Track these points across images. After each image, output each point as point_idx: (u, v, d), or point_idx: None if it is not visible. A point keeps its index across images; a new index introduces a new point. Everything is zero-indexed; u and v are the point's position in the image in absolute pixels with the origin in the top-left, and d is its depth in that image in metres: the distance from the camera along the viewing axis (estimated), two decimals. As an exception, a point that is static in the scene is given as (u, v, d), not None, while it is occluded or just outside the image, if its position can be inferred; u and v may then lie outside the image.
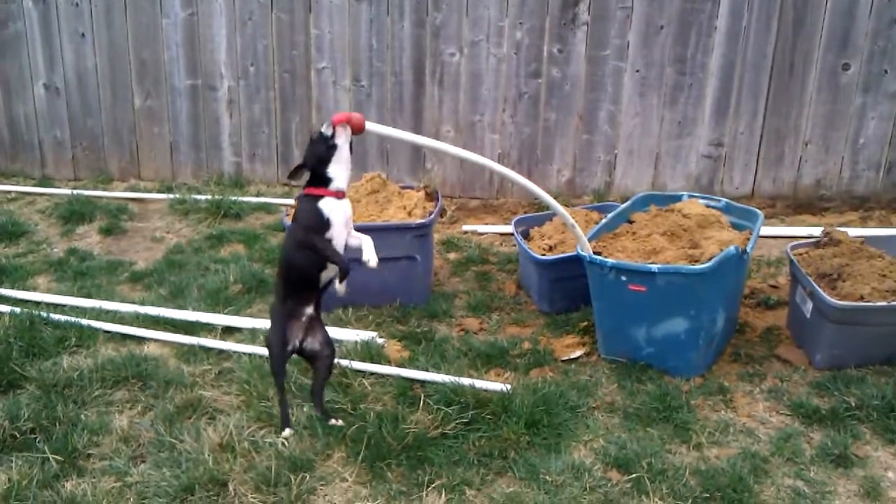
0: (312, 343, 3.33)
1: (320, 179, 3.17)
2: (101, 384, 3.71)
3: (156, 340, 4.17)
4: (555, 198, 3.70)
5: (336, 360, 3.50)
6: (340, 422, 3.38)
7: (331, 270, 3.22)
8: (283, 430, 3.31)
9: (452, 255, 5.27)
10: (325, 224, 3.13)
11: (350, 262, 3.16)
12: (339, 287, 3.19)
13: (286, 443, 3.26)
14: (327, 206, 3.15)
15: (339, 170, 3.17)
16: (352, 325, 4.28)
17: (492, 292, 4.71)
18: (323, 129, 3.16)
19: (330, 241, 3.15)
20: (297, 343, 3.29)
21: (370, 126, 3.19)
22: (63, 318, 4.27)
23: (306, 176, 3.22)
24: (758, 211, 4.20)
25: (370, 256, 3.18)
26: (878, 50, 5.60)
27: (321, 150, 3.15)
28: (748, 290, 4.51)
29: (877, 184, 5.88)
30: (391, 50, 6.20)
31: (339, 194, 3.19)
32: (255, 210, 6.13)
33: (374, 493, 3.05)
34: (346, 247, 3.24)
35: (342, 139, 3.15)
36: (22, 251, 5.49)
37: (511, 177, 3.61)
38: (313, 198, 3.16)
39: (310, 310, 3.31)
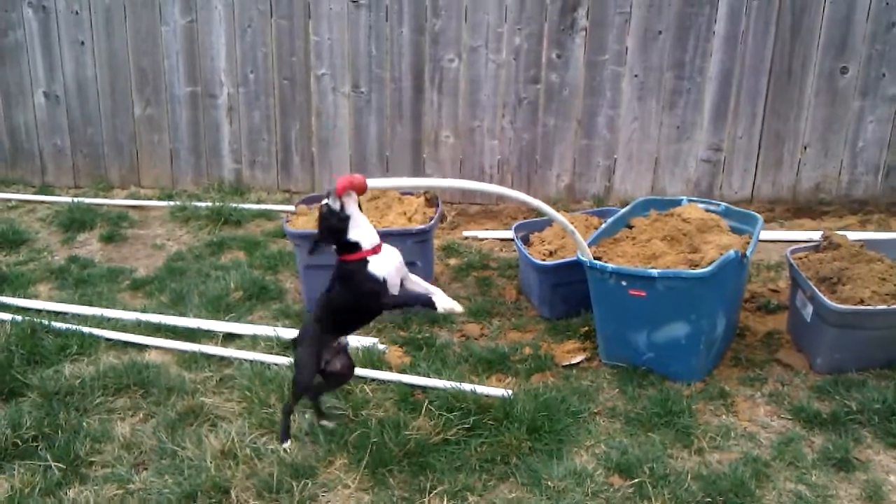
0: (334, 365, 3.34)
1: (348, 248, 3.14)
2: (103, 392, 3.72)
3: (157, 348, 4.18)
4: (554, 203, 3.73)
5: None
6: (332, 424, 3.44)
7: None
8: (283, 442, 3.32)
9: (453, 261, 5.28)
10: (383, 286, 3.11)
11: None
12: (448, 305, 3.14)
13: (288, 450, 3.27)
14: (376, 266, 3.11)
15: (360, 232, 3.13)
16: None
17: (492, 298, 4.72)
18: (330, 203, 3.10)
19: (394, 296, 3.15)
20: (324, 365, 3.31)
21: (372, 183, 3.14)
22: (64, 325, 4.28)
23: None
24: (757, 215, 4.20)
25: (452, 306, 3.13)
26: (875, 53, 5.62)
27: (335, 225, 3.11)
28: (748, 295, 4.51)
29: (875, 187, 5.89)
30: (390, 56, 6.21)
31: (377, 249, 3.15)
32: (256, 217, 6.13)
33: (376, 500, 3.05)
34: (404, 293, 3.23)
35: (352, 207, 3.11)
36: (23, 259, 5.50)
37: (505, 193, 3.56)
38: (361, 263, 3.12)
39: (344, 340, 3.34)
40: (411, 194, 4.86)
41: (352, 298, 3.18)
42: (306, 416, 3.49)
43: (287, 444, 3.31)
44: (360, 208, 3.17)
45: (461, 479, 3.10)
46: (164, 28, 6.46)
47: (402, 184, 3.45)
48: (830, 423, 3.41)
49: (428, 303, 3.12)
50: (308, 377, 3.28)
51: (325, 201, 3.14)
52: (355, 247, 3.13)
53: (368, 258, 3.12)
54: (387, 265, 3.13)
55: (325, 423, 3.44)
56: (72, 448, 3.29)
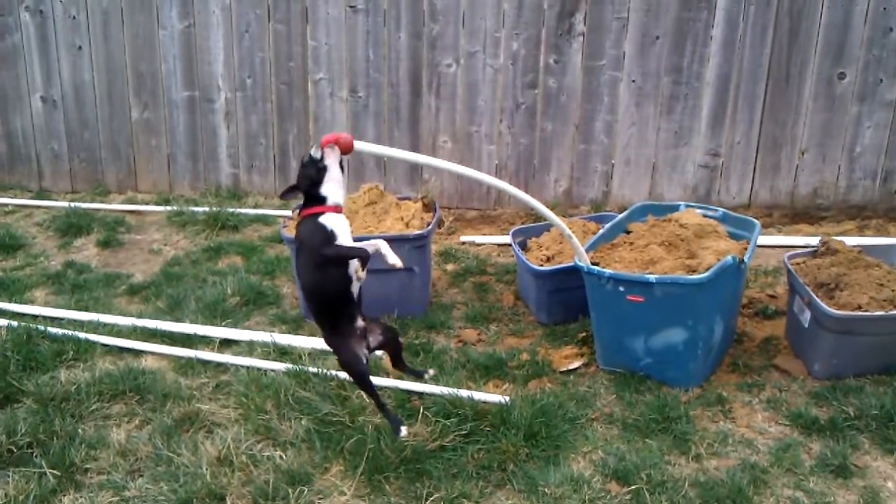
0: (376, 340, 3.32)
1: (315, 199, 3.19)
2: (99, 398, 3.70)
3: (153, 353, 4.17)
4: (552, 208, 3.72)
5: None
6: (432, 371, 3.56)
7: (358, 281, 3.20)
8: (397, 433, 3.21)
9: (450, 266, 5.27)
10: (330, 235, 3.12)
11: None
12: (361, 274, 3.16)
13: (407, 433, 3.22)
14: (328, 219, 3.14)
15: (331, 188, 3.18)
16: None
17: (490, 303, 4.71)
18: (312, 152, 3.19)
19: (334, 245, 3.13)
20: (367, 352, 3.26)
21: (359, 145, 3.19)
22: (60, 331, 4.27)
23: (300, 198, 3.23)
24: (755, 220, 4.20)
25: (395, 260, 3.15)
26: (873, 59, 5.62)
27: (312, 172, 3.18)
28: (746, 300, 4.51)
29: (873, 193, 5.89)
30: (388, 61, 6.21)
31: (338, 209, 3.19)
32: (253, 222, 6.13)
33: (372, 507, 3.04)
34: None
35: (331, 159, 3.17)
36: (19, 264, 5.49)
37: (505, 188, 3.60)
38: (313, 216, 3.17)
39: (360, 322, 3.28)
40: (409, 199, 4.86)
41: (311, 263, 3.17)
42: (302, 422, 3.47)
43: (404, 431, 3.20)
44: (343, 169, 3.22)
45: (458, 486, 3.09)
46: (161, 32, 6.46)
47: (391, 153, 3.48)
48: (828, 430, 3.41)
49: (363, 255, 3.11)
50: (362, 372, 3.21)
51: (308, 152, 3.21)
52: (321, 200, 3.17)
53: (325, 212, 3.15)
54: (339, 223, 3.15)
55: (428, 375, 3.53)
56: (67, 455, 3.28)
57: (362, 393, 3.43)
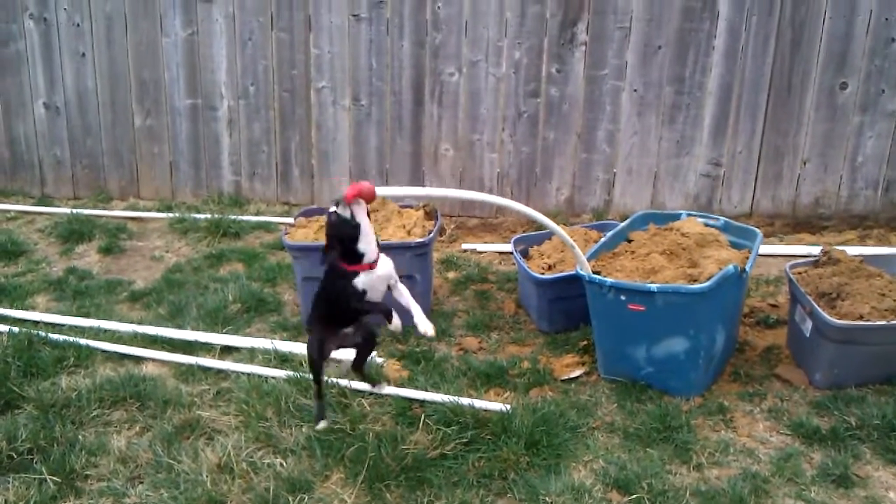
0: (351, 340, 3.44)
1: (352, 256, 3.19)
2: (100, 404, 3.70)
3: (154, 360, 4.17)
4: (554, 217, 3.72)
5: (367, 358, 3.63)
6: (385, 386, 3.67)
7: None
8: (317, 423, 3.45)
9: (451, 274, 5.27)
10: (360, 295, 3.19)
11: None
12: (395, 325, 3.23)
13: (320, 430, 3.42)
14: (362, 281, 3.18)
15: (367, 243, 3.18)
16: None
17: (491, 311, 4.71)
18: (339, 211, 3.13)
19: (362, 301, 3.21)
20: (333, 347, 3.41)
21: (381, 191, 3.18)
22: (61, 337, 4.26)
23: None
24: (756, 230, 4.20)
25: (426, 328, 3.20)
26: (875, 69, 5.63)
27: (347, 232, 3.15)
28: (747, 310, 4.50)
29: (875, 202, 5.89)
30: (391, 69, 6.22)
31: (372, 266, 3.20)
32: (255, 229, 6.13)
33: (373, 515, 3.04)
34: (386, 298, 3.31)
35: (361, 215, 3.14)
36: (21, 270, 5.49)
37: (512, 207, 3.60)
38: (351, 274, 3.19)
39: (348, 329, 3.39)
40: (410, 207, 4.86)
41: (334, 297, 3.26)
42: (303, 429, 3.47)
43: (322, 425, 3.44)
44: (369, 216, 3.21)
45: (459, 495, 3.08)
46: (164, 40, 6.48)
47: (410, 193, 3.49)
48: (830, 439, 3.40)
49: (386, 313, 3.20)
50: (315, 354, 3.35)
51: (332, 208, 3.16)
52: (359, 258, 3.18)
53: (360, 273, 3.19)
54: (372, 277, 3.20)
55: (378, 387, 3.66)
56: (67, 461, 3.27)
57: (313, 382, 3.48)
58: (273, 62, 6.38)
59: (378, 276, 3.22)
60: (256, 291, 4.91)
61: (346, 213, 3.12)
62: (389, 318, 3.20)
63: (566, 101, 6.04)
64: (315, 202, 6.42)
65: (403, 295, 3.31)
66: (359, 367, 3.59)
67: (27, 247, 5.87)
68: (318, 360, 3.37)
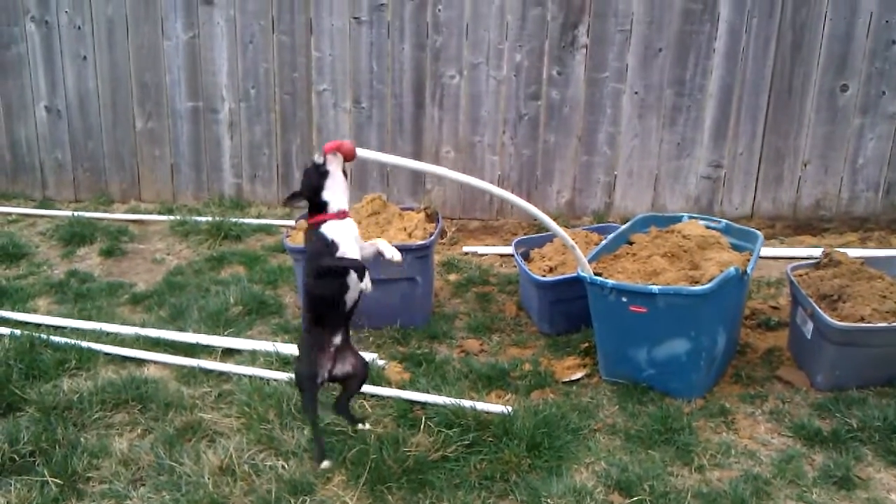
0: (343, 368, 3.30)
1: (318, 206, 3.22)
2: (101, 407, 3.70)
3: (156, 363, 4.17)
4: (554, 219, 3.72)
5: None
6: (367, 425, 3.46)
7: (354, 292, 3.22)
8: (319, 463, 3.24)
9: (453, 277, 5.27)
10: (331, 245, 3.15)
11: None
12: (365, 284, 3.14)
13: (327, 468, 3.25)
14: (329, 228, 3.17)
15: (333, 193, 3.21)
16: (352, 347, 4.27)
17: (492, 314, 4.71)
18: (315, 158, 3.22)
19: (334, 257, 3.15)
20: (327, 374, 3.25)
21: (361, 152, 3.22)
22: (63, 340, 4.26)
23: (304, 205, 3.26)
24: (758, 232, 4.21)
25: (392, 253, 3.22)
26: (875, 71, 5.64)
27: (314, 178, 3.21)
28: (749, 312, 4.50)
29: (876, 204, 5.89)
30: (391, 72, 6.23)
31: (341, 214, 3.21)
32: (256, 231, 6.14)
33: (374, 517, 3.04)
34: (364, 260, 3.24)
35: (334, 165, 3.20)
36: (22, 273, 5.49)
37: (508, 198, 3.61)
38: (316, 225, 3.20)
39: (338, 339, 3.28)
40: (412, 209, 4.87)
41: (311, 270, 3.20)
42: (305, 431, 3.47)
43: (326, 464, 3.24)
44: (346, 175, 3.25)
45: (460, 497, 3.08)
46: (166, 43, 6.49)
47: (393, 161, 3.49)
48: (831, 441, 3.40)
49: (358, 266, 3.13)
50: (309, 388, 3.22)
51: (311, 159, 3.24)
52: (323, 207, 3.20)
53: (327, 220, 3.18)
54: (340, 231, 3.18)
55: (361, 426, 3.46)
56: (69, 463, 3.27)
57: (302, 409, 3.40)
58: (274, 65, 6.39)
59: (346, 229, 3.19)
60: (258, 294, 4.91)
61: (320, 160, 3.19)
62: (362, 275, 3.11)
63: (567, 103, 6.04)
64: (316, 205, 6.42)
65: (366, 245, 3.28)
66: (342, 404, 3.41)
67: (29, 249, 5.87)
68: (310, 382, 3.20)
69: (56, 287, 5.21)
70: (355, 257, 3.19)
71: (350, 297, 3.22)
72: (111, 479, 3.24)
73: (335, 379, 3.31)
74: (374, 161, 3.43)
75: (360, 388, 3.44)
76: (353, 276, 3.16)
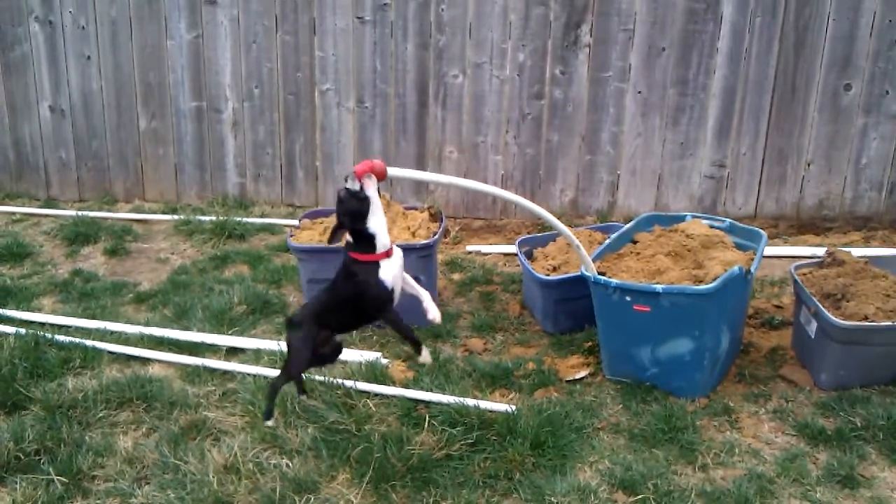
0: (324, 349, 3.37)
1: (364, 238, 3.11)
2: (106, 405, 3.71)
3: (160, 361, 4.18)
4: (558, 218, 3.71)
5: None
6: (307, 399, 3.60)
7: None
8: (266, 419, 3.40)
9: (456, 276, 5.28)
10: (390, 295, 3.14)
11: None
12: (427, 359, 3.30)
13: (270, 427, 3.40)
14: (387, 273, 3.12)
15: (377, 222, 3.11)
16: (356, 346, 4.28)
17: (496, 313, 4.72)
18: (349, 185, 3.07)
19: (396, 313, 3.19)
20: (310, 357, 3.36)
21: (392, 171, 3.13)
22: (68, 339, 4.28)
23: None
24: (761, 231, 4.21)
25: (435, 315, 3.22)
26: (879, 71, 5.63)
27: (355, 206, 3.07)
28: (752, 311, 4.50)
29: (879, 204, 5.89)
30: (395, 72, 6.24)
31: (389, 252, 3.15)
32: (260, 231, 6.14)
33: (379, 515, 3.04)
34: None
35: (371, 190, 3.08)
36: (27, 272, 5.51)
37: (520, 203, 3.60)
38: (373, 266, 3.12)
39: (338, 338, 3.36)
40: (415, 209, 4.87)
41: (355, 299, 3.19)
42: (309, 430, 3.48)
43: (270, 422, 3.39)
44: (380, 195, 3.15)
45: (464, 495, 3.09)
46: (169, 43, 6.50)
47: (420, 176, 3.47)
48: (835, 440, 3.40)
49: (415, 343, 3.25)
50: (302, 365, 3.35)
51: (343, 185, 3.09)
52: (370, 242, 3.10)
53: (381, 262, 3.11)
54: (394, 270, 3.15)
55: (303, 397, 3.58)
56: (74, 462, 3.29)
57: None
58: (278, 65, 6.40)
59: (398, 266, 3.14)
60: (262, 293, 4.92)
61: (356, 187, 3.05)
62: (419, 350, 3.22)
63: (570, 102, 6.05)
64: (319, 204, 6.43)
65: (408, 283, 3.28)
66: (302, 381, 3.59)
67: (33, 249, 5.89)
68: (305, 358, 3.32)
69: (60, 286, 5.22)
70: (398, 294, 3.22)
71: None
72: (116, 477, 3.26)
73: (314, 353, 3.36)
74: (405, 178, 3.37)
75: (320, 367, 3.59)
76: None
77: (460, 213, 6.39)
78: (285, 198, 6.68)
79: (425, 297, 3.23)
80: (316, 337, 3.31)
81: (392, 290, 3.12)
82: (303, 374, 3.58)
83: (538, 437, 3.34)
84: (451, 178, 3.77)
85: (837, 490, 3.13)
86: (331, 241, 3.15)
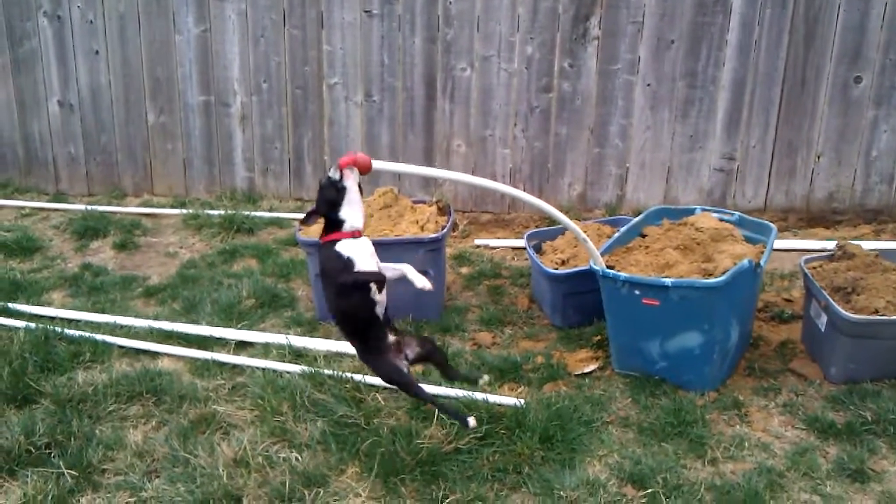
0: (414, 351, 3.32)
1: (334, 223, 3.19)
2: (116, 399, 3.72)
3: (170, 355, 4.19)
4: (566, 212, 3.72)
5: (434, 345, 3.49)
6: (486, 377, 3.49)
7: (381, 307, 3.22)
8: (466, 425, 3.22)
9: (465, 270, 5.27)
10: (347, 263, 3.13)
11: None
12: (381, 297, 3.17)
13: (474, 428, 3.24)
14: (345, 246, 3.15)
15: (350, 211, 3.18)
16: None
17: (504, 306, 4.71)
18: (330, 174, 3.18)
19: (353, 273, 3.13)
20: (407, 363, 3.28)
21: (377, 165, 3.17)
22: (77, 333, 4.30)
23: (321, 222, 3.24)
24: (771, 224, 4.19)
25: (423, 283, 3.19)
26: (889, 63, 5.60)
27: (331, 194, 3.17)
28: (762, 304, 4.49)
29: (890, 197, 5.86)
30: (402, 65, 6.22)
31: (356, 233, 3.18)
32: (268, 225, 6.15)
33: (388, 509, 3.05)
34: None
35: (350, 181, 3.16)
36: (36, 266, 5.52)
37: (521, 197, 3.58)
38: (331, 244, 3.17)
39: (392, 337, 3.29)
40: (424, 203, 4.87)
41: (333, 291, 3.19)
42: (318, 423, 3.48)
43: (472, 422, 3.20)
44: (361, 190, 3.21)
45: (473, 489, 3.09)
46: (177, 37, 6.50)
47: (408, 170, 3.46)
48: (845, 434, 3.39)
49: (379, 278, 3.14)
50: (407, 381, 3.24)
51: (326, 174, 3.19)
52: (339, 225, 3.17)
53: (342, 239, 3.16)
54: (356, 250, 3.15)
55: (480, 380, 3.46)
56: (84, 455, 3.30)
57: (417, 399, 3.41)
58: (286, 59, 6.39)
59: (362, 247, 3.16)
60: (270, 287, 4.93)
61: (336, 176, 3.14)
62: (381, 287, 3.15)
63: (579, 95, 6.03)
64: (328, 198, 6.42)
65: (387, 266, 3.26)
66: (448, 372, 3.46)
67: (42, 243, 5.91)
68: (407, 380, 3.24)
69: (70, 280, 5.24)
70: (364, 267, 3.17)
71: (379, 310, 3.22)
72: (126, 470, 3.27)
73: (416, 362, 3.34)
74: (390, 171, 3.39)
75: (443, 355, 3.48)
76: (373, 288, 3.16)
77: (468, 207, 6.39)
78: (293, 192, 6.68)
79: (407, 269, 3.25)
80: (383, 355, 3.24)
81: (347, 258, 3.11)
82: (445, 362, 3.46)
83: (547, 431, 3.34)
84: (436, 170, 3.76)
85: (847, 484, 3.13)
86: (303, 221, 3.27)
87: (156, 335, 4.36)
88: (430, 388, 3.68)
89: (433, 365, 3.49)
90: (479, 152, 6.26)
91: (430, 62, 6.18)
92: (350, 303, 3.18)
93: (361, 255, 3.16)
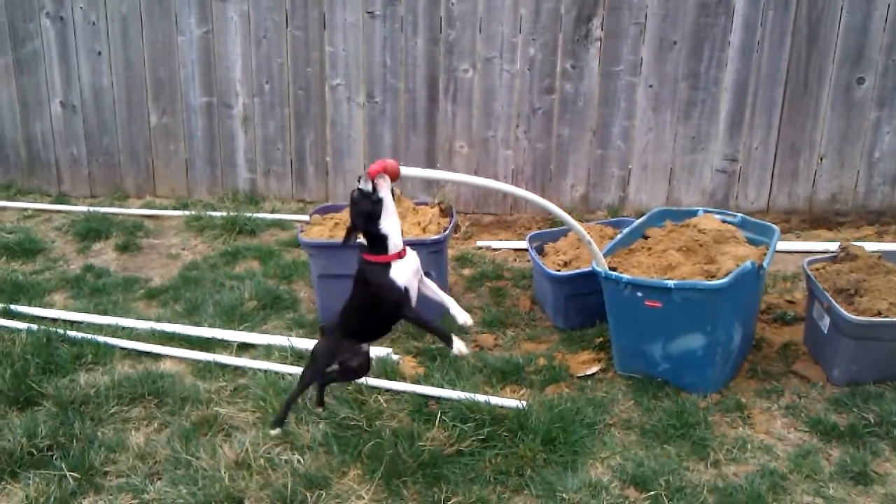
0: (352, 361, 3.36)
1: (376, 239, 3.08)
2: (118, 401, 3.72)
3: (171, 357, 4.19)
4: (569, 213, 3.69)
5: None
6: (322, 413, 3.55)
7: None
8: (273, 428, 3.40)
9: (467, 271, 5.27)
10: (406, 296, 3.09)
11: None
12: (462, 349, 3.15)
13: (275, 436, 3.38)
14: (398, 274, 3.08)
15: (390, 224, 3.07)
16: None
17: (506, 308, 4.71)
18: (361, 186, 3.04)
19: (416, 311, 3.13)
20: (336, 367, 3.34)
21: (405, 171, 3.09)
22: (79, 334, 4.29)
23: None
24: (774, 226, 4.18)
25: (465, 319, 3.16)
26: (892, 64, 5.59)
27: (366, 207, 3.04)
28: (764, 306, 4.48)
29: (892, 198, 5.85)
30: (405, 66, 6.22)
31: (402, 253, 3.11)
32: (270, 226, 6.15)
33: (390, 511, 3.05)
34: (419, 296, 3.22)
35: (384, 190, 3.04)
36: (38, 268, 5.53)
37: (532, 199, 3.57)
38: (382, 267, 3.08)
39: (365, 346, 3.34)
40: (426, 204, 4.87)
41: (371, 302, 3.16)
42: (320, 426, 3.48)
43: (276, 432, 3.38)
44: (393, 196, 3.11)
45: (475, 491, 3.09)
46: (180, 38, 6.50)
47: (434, 175, 3.44)
48: (848, 436, 3.39)
49: (445, 338, 3.13)
50: (317, 373, 3.34)
51: (356, 187, 3.07)
52: (383, 243, 3.07)
53: (392, 263, 3.08)
54: (406, 271, 3.10)
55: (319, 409, 3.54)
56: (86, 457, 3.30)
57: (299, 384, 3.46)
58: (288, 60, 6.39)
59: (411, 268, 3.11)
60: (272, 289, 4.93)
61: (368, 187, 3.02)
62: (450, 343, 3.11)
63: (581, 97, 6.02)
64: (330, 199, 6.43)
65: (430, 287, 3.24)
66: (322, 396, 3.57)
67: (44, 245, 5.91)
68: (322, 368, 3.33)
69: (72, 282, 5.24)
70: (415, 297, 3.15)
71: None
72: (128, 472, 3.27)
73: (341, 365, 3.36)
74: (419, 178, 3.35)
75: (345, 381, 3.58)
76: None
77: (470, 209, 6.38)
78: (296, 193, 6.68)
79: (450, 304, 3.19)
80: (340, 346, 3.30)
81: (405, 290, 3.08)
82: (325, 387, 3.55)
83: (549, 433, 3.33)
84: (464, 176, 3.76)
85: (850, 486, 3.12)
86: (345, 243, 3.13)
87: (158, 337, 4.36)
88: (430, 390, 3.70)
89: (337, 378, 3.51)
90: (482, 153, 6.26)
91: (432, 63, 6.17)
92: (379, 321, 3.24)
93: (411, 279, 3.11)
